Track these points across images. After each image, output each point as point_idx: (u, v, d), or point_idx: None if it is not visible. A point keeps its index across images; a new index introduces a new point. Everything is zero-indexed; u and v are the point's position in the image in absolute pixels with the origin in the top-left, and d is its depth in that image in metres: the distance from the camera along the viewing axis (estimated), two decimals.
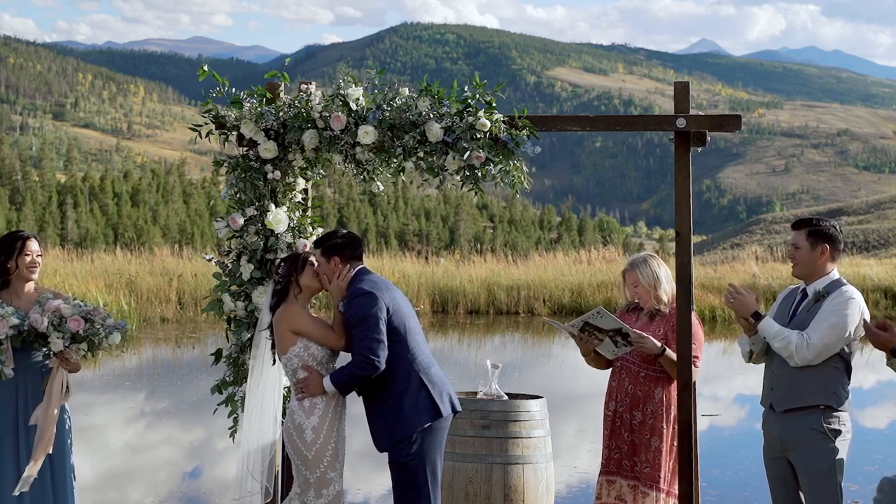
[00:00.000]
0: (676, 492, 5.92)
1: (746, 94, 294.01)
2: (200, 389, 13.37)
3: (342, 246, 5.26)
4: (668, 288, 5.96)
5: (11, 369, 5.30)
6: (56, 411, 5.42)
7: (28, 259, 5.52)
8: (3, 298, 5.45)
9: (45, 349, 5.39)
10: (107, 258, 28.10)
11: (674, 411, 5.89)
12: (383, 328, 5.04)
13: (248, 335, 5.70)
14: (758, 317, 5.20)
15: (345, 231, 5.39)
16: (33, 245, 5.56)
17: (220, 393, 5.80)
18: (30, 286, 5.58)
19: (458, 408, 5.25)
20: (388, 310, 5.09)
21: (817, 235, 5.25)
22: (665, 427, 5.86)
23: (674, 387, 5.92)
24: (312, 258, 5.31)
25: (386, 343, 5.04)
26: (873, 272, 25.65)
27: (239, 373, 5.76)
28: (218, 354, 5.83)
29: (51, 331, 5.31)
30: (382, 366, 5.03)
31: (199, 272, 24.26)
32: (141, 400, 13.24)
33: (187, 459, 10.05)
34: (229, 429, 5.78)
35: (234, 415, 5.77)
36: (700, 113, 5.69)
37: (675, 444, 5.90)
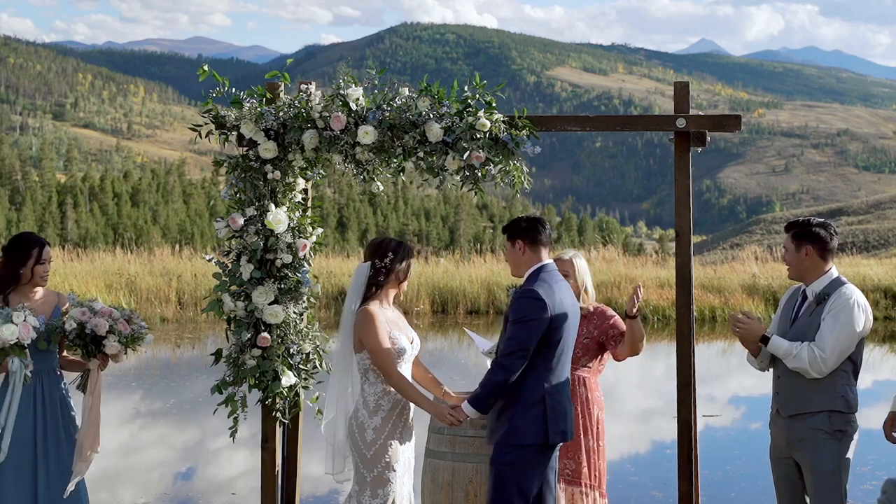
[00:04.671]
0: (604, 489, 5.95)
1: (746, 94, 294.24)
2: (200, 389, 13.37)
3: (526, 230, 5.22)
4: (591, 288, 6.03)
5: (30, 372, 5.33)
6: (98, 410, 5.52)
7: (43, 267, 5.51)
8: (13, 300, 5.44)
9: (81, 350, 5.44)
10: (107, 258, 28.06)
11: (595, 410, 5.94)
12: (534, 339, 4.97)
13: (248, 335, 5.70)
14: (765, 340, 5.23)
15: (529, 215, 5.36)
16: (50, 253, 5.55)
17: (220, 393, 5.79)
18: (39, 289, 5.58)
19: (569, 438, 5.20)
20: (550, 322, 4.99)
21: (801, 237, 5.25)
22: (589, 425, 5.90)
23: (597, 383, 6.00)
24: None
25: (529, 354, 4.97)
26: (873, 272, 25.58)
27: (239, 373, 5.75)
28: (218, 354, 5.82)
29: (108, 334, 5.40)
30: (514, 375, 4.98)
31: (199, 272, 24.24)
32: (139, 400, 13.23)
33: (182, 460, 10.04)
34: (229, 429, 5.77)
35: (234, 415, 5.77)
36: (700, 113, 5.68)
37: (603, 443, 5.96)
